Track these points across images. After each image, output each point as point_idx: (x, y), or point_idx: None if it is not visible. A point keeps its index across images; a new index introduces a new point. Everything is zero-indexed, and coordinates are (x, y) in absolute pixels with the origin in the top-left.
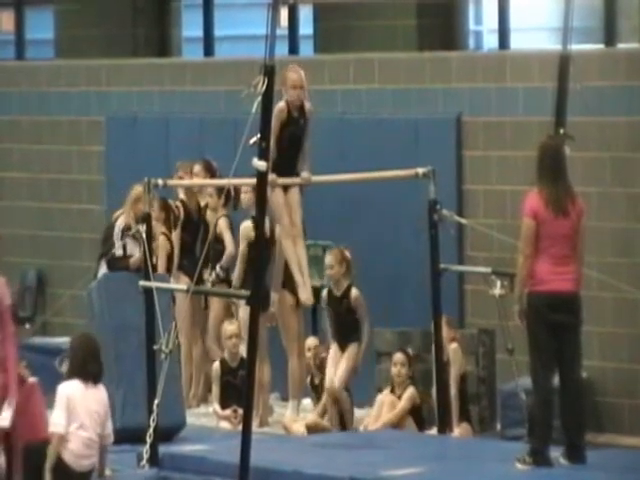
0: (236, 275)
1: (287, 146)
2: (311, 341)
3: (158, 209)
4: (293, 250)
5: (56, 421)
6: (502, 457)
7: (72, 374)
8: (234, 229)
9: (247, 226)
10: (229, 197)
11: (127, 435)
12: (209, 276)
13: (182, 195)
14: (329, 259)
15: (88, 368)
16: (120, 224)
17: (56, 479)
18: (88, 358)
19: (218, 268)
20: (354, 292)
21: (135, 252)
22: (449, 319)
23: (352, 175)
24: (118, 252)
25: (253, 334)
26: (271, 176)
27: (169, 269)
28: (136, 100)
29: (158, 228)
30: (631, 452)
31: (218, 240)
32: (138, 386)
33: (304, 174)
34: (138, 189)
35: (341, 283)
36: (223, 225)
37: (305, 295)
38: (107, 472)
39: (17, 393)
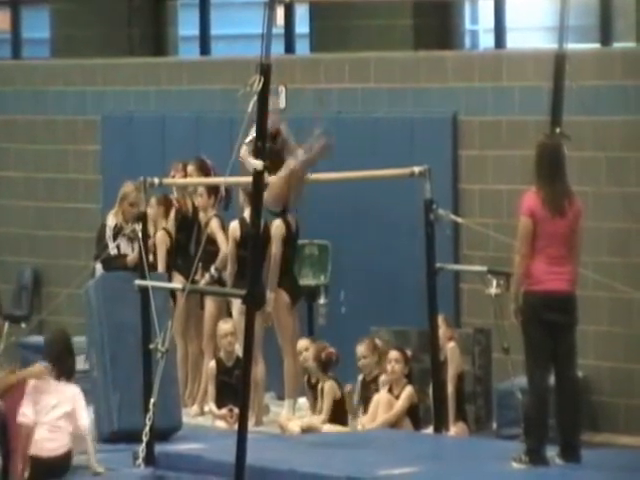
0: (228, 275)
1: None
2: (302, 343)
3: (157, 204)
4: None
5: (24, 411)
6: (498, 456)
7: (50, 372)
8: (226, 229)
9: (234, 226)
10: (218, 196)
11: (124, 437)
12: (201, 277)
13: (176, 194)
14: (361, 350)
15: (63, 362)
16: (111, 224)
17: (33, 475)
18: (64, 352)
19: (212, 269)
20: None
21: (129, 251)
22: (447, 318)
23: (348, 174)
24: (112, 252)
25: (249, 333)
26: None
27: (169, 265)
28: (132, 99)
29: (159, 223)
30: (627, 451)
31: (210, 241)
32: (135, 388)
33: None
34: (125, 188)
35: (372, 372)
36: (215, 226)
37: None
38: (101, 470)
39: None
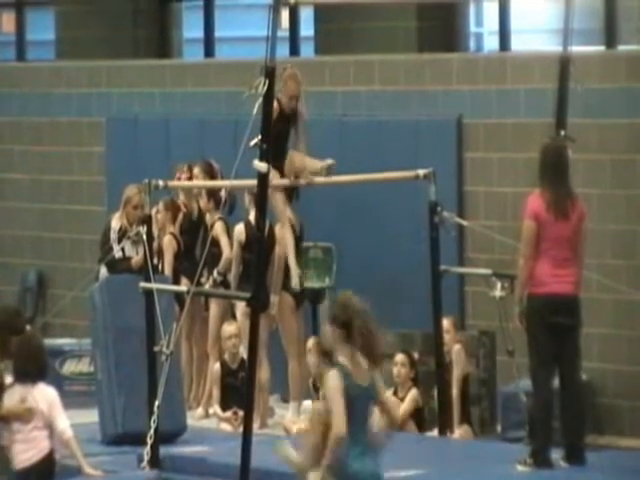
0: (232, 277)
1: (277, 139)
2: (312, 341)
3: (164, 209)
4: (291, 240)
5: (3, 433)
6: (503, 459)
7: (14, 377)
8: (231, 232)
9: (239, 229)
10: (218, 200)
11: (128, 440)
12: (206, 280)
13: (182, 197)
14: (400, 358)
15: (22, 369)
16: (115, 227)
17: None
18: (22, 360)
19: (215, 273)
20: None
21: (133, 254)
22: (455, 321)
23: (352, 177)
24: (117, 255)
25: (254, 335)
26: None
27: (176, 269)
28: (137, 101)
29: (166, 227)
30: (631, 454)
31: (215, 244)
32: (140, 390)
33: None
34: (129, 191)
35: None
36: (219, 229)
37: (294, 281)
38: (98, 472)
39: None
